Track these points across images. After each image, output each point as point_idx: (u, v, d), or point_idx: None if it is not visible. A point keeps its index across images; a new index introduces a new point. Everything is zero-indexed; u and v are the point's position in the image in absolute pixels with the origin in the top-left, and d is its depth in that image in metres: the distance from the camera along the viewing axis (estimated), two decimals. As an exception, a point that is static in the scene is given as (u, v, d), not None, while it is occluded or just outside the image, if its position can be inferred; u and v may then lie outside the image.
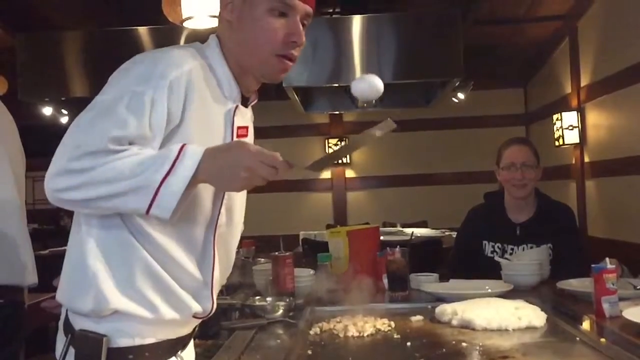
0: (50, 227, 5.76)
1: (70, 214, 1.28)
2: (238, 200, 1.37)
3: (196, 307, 1.27)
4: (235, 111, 1.30)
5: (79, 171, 1.10)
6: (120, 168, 1.10)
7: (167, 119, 1.16)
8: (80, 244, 1.21)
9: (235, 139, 1.29)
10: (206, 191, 1.25)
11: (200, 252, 1.27)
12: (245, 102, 1.35)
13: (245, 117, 1.35)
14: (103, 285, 1.18)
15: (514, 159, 2.44)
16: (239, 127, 1.31)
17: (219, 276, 1.32)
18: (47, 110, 4.87)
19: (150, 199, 1.10)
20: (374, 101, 1.39)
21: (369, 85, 1.42)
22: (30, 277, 2.00)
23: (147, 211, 1.12)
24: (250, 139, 1.38)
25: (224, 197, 1.29)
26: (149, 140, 1.15)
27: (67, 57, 4.06)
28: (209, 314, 1.32)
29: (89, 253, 1.19)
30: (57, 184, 1.12)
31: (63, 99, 4.36)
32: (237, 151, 1.16)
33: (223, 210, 1.29)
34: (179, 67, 1.19)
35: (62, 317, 1.27)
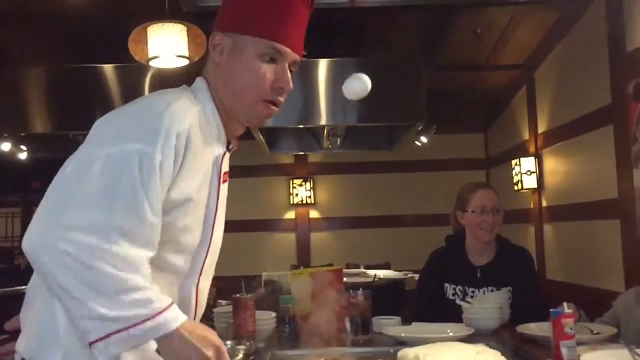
0: (4, 266, 5.56)
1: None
2: (219, 246, 1.34)
3: None
4: (222, 158, 1.29)
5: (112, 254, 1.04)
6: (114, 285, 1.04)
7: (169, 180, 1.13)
8: (49, 297, 1.14)
9: (221, 184, 1.29)
10: (193, 239, 1.24)
11: (181, 304, 1.23)
12: (227, 147, 1.34)
13: (226, 162, 1.34)
14: (74, 344, 1.12)
15: (485, 202, 2.47)
16: (224, 173, 1.31)
17: None
18: (6, 146, 4.77)
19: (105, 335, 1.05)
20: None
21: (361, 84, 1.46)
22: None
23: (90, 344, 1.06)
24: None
25: (210, 248, 1.26)
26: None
27: (28, 93, 4.01)
28: None
29: (59, 309, 1.13)
30: (64, 246, 1.03)
31: (22, 134, 4.28)
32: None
33: (208, 261, 1.28)
34: (182, 122, 1.15)
35: None
